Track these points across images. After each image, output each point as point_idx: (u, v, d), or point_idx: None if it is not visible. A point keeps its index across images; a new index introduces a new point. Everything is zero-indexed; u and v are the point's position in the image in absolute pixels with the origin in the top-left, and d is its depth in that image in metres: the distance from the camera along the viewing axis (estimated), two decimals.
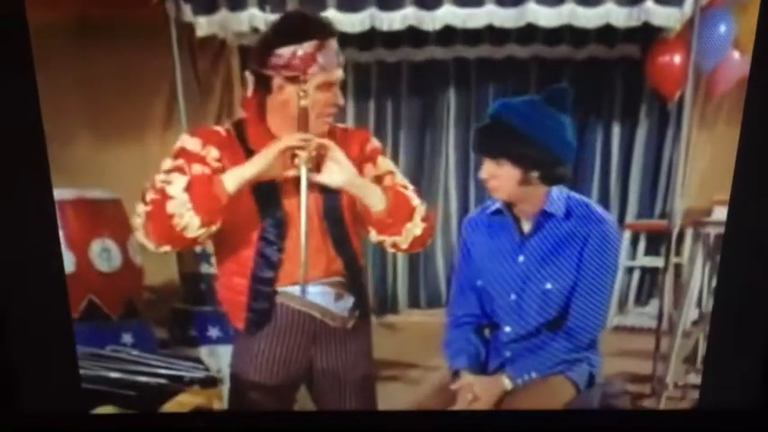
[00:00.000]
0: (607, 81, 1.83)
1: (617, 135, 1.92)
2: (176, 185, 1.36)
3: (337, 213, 1.46)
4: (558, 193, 1.50)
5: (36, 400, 1.65)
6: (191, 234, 1.37)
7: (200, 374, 1.75)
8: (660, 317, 1.90)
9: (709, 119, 1.72)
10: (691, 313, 1.88)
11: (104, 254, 1.76)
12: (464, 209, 1.94)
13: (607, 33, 1.70)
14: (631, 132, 1.91)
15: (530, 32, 1.72)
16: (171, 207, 1.35)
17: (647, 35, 1.75)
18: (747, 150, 1.50)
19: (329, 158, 1.40)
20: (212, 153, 1.40)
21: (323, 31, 1.37)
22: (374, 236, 1.47)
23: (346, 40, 1.64)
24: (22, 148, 1.48)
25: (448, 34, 1.74)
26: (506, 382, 1.55)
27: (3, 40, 1.41)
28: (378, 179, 1.47)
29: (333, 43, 1.38)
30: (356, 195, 1.44)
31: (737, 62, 1.62)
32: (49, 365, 1.64)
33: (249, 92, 1.41)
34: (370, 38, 1.67)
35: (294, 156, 1.39)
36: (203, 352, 1.85)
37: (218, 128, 1.45)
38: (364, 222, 1.47)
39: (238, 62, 1.78)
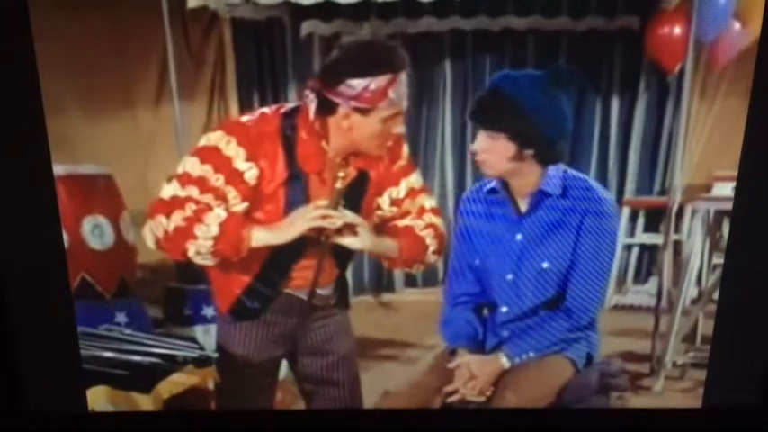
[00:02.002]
0: (606, 53, 1.80)
1: (616, 109, 1.89)
2: (205, 228, 1.39)
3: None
4: (555, 171, 1.49)
5: (37, 386, 1.64)
6: (199, 263, 1.45)
7: (194, 354, 1.74)
8: (659, 295, 1.89)
9: (710, 92, 1.70)
10: (690, 291, 1.87)
11: (96, 230, 1.75)
12: (460, 185, 1.92)
13: (606, 4, 1.67)
14: (630, 106, 1.88)
15: (527, 3, 1.69)
16: (192, 245, 1.40)
17: (647, 6, 1.73)
18: (756, 125, 1.48)
19: (356, 232, 1.45)
20: (253, 171, 1.40)
21: (397, 64, 1.37)
22: (386, 265, 1.56)
23: (339, 11, 1.63)
24: (18, 124, 1.47)
25: (444, 5, 1.71)
26: (504, 361, 1.55)
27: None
28: (397, 202, 1.52)
29: (404, 77, 1.38)
30: (372, 253, 1.53)
31: (738, 33, 1.60)
32: (48, 349, 1.63)
33: (311, 114, 1.40)
34: (365, 9, 1.65)
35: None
36: (198, 331, 1.84)
37: (267, 111, 1.44)
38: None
39: (231, 34, 1.76)
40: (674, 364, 1.88)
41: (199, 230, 1.39)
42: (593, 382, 1.57)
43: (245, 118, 1.44)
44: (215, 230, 1.39)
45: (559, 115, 1.45)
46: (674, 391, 1.87)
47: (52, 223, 1.54)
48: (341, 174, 1.44)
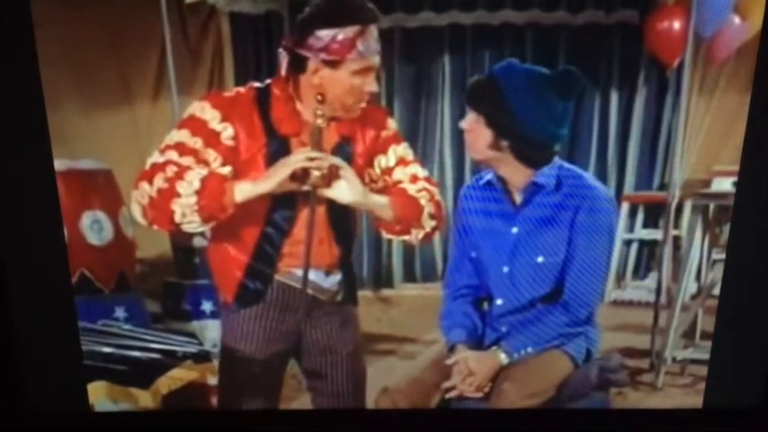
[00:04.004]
0: (605, 47, 1.80)
1: (615, 103, 1.89)
2: (187, 185, 1.38)
3: (344, 210, 1.48)
4: (550, 164, 1.49)
5: (38, 384, 1.64)
6: (189, 229, 1.42)
7: (193, 349, 1.74)
8: (658, 290, 1.88)
9: (710, 86, 1.69)
10: (689, 287, 1.87)
11: (95, 226, 1.74)
12: (459, 179, 1.91)
13: None
14: (629, 100, 1.87)
15: None
16: (176, 205, 1.38)
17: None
18: (757, 120, 1.48)
19: (340, 176, 1.42)
20: (228, 131, 1.40)
21: (365, 16, 1.36)
22: (384, 234, 1.52)
23: None
24: (19, 120, 1.48)
25: None
26: (502, 357, 1.55)
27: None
28: (387, 171, 1.50)
29: (374, 30, 1.37)
30: (364, 209, 1.48)
31: (738, 28, 1.60)
32: (50, 346, 1.64)
33: (282, 71, 1.41)
34: None
35: (305, 169, 1.41)
36: (197, 326, 1.84)
37: (241, 89, 1.45)
38: (374, 222, 1.52)
39: (229, 29, 1.76)
40: (674, 360, 1.88)
41: (181, 187, 1.38)
42: (592, 378, 1.57)
43: (223, 93, 1.47)
44: (197, 185, 1.38)
45: (547, 119, 1.44)
46: (674, 386, 1.87)
47: (53, 219, 1.54)
48: (319, 111, 1.41)
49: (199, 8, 1.69)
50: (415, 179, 1.52)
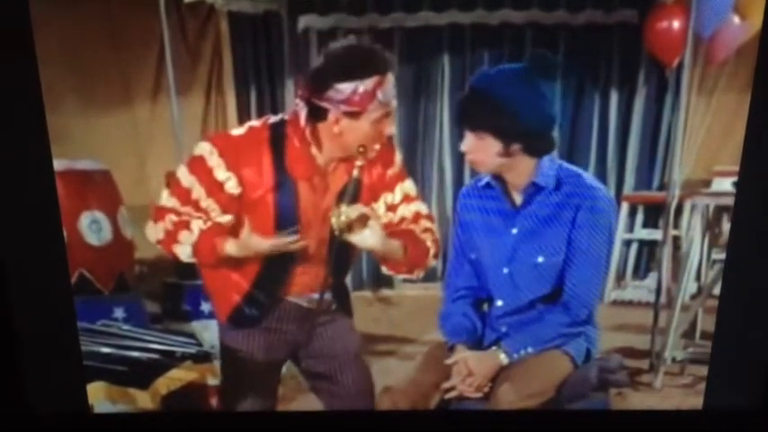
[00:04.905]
0: (604, 47, 1.80)
1: (614, 103, 1.89)
2: (181, 249, 1.44)
3: (348, 249, 1.50)
4: (549, 164, 1.47)
5: (38, 384, 1.64)
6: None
7: (192, 350, 1.74)
8: (658, 290, 1.88)
9: (709, 86, 1.69)
10: (689, 287, 1.87)
11: (94, 226, 1.74)
12: (459, 180, 1.92)
13: None
14: (629, 100, 1.88)
15: None
16: (178, 251, 1.45)
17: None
18: (757, 120, 1.48)
19: (367, 225, 1.43)
20: (231, 182, 1.41)
21: (383, 67, 1.38)
22: (386, 271, 1.54)
23: (336, 4, 1.62)
24: (18, 120, 1.48)
25: None
26: (502, 357, 1.54)
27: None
28: (392, 208, 1.51)
29: (391, 77, 1.39)
30: (380, 252, 1.49)
31: (737, 28, 1.60)
32: (50, 347, 1.63)
33: (301, 120, 1.41)
34: (362, 3, 1.64)
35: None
36: (196, 327, 1.84)
37: (255, 124, 1.45)
38: (378, 260, 1.53)
39: (228, 28, 1.76)
40: (674, 360, 1.88)
41: (177, 251, 1.44)
42: (592, 378, 1.56)
43: (234, 131, 1.46)
44: (188, 251, 1.44)
45: (542, 106, 1.43)
46: (673, 387, 1.87)
47: (53, 219, 1.54)
48: (358, 162, 1.44)
49: (197, 8, 1.69)
50: (417, 218, 1.54)
